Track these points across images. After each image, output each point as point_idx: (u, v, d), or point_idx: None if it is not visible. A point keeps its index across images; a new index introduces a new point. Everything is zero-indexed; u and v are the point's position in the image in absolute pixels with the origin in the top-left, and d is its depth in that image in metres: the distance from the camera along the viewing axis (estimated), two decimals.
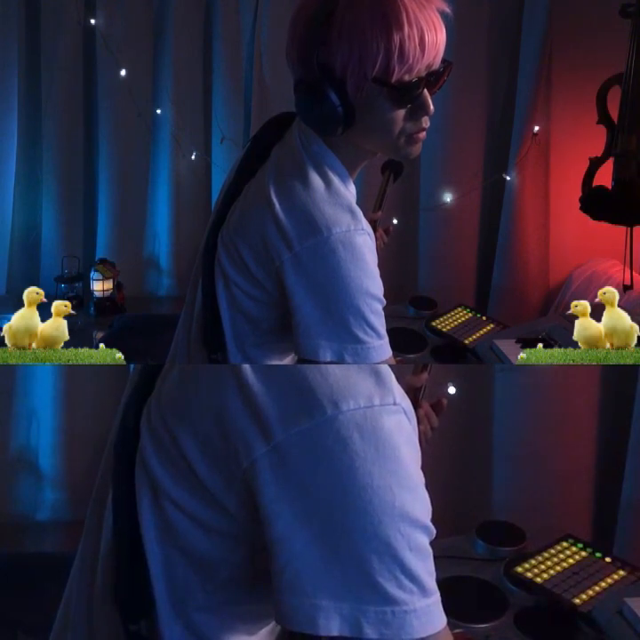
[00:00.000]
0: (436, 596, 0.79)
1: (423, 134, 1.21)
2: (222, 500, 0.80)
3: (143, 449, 0.85)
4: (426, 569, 0.77)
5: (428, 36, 1.14)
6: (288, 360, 1.31)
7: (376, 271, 1.19)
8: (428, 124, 1.20)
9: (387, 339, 1.20)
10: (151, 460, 0.84)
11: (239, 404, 0.79)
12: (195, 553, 0.83)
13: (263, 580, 0.79)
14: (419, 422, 1.25)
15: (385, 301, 1.19)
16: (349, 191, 1.22)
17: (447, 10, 1.21)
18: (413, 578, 0.76)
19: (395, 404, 0.80)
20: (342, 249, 1.14)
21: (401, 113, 1.16)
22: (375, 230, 1.84)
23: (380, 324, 1.18)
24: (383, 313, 1.19)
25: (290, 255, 1.16)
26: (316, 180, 1.19)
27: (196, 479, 0.80)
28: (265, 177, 1.23)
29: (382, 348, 1.18)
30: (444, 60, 1.20)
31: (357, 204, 1.21)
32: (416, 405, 1.28)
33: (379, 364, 1.16)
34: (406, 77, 1.13)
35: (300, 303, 1.17)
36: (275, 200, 1.18)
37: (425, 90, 1.16)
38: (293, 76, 1.20)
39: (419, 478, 0.80)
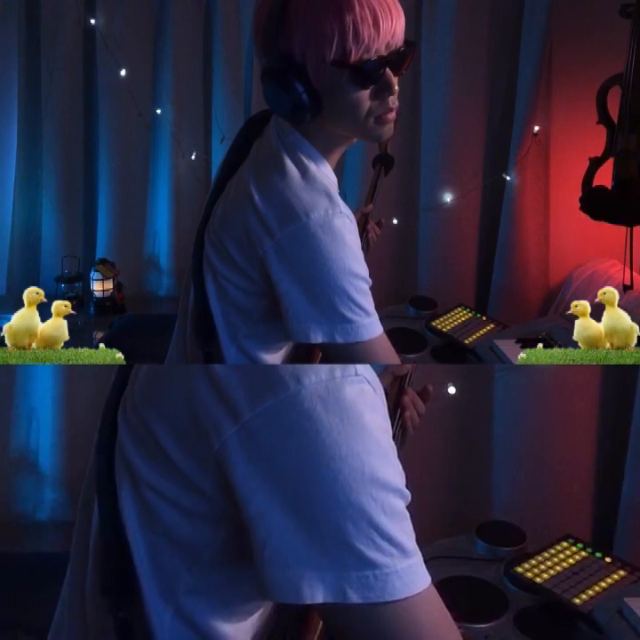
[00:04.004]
0: (418, 557, 0.79)
1: (392, 115, 1.22)
2: (198, 483, 0.81)
3: (120, 439, 0.87)
4: (403, 530, 0.78)
5: (382, 15, 1.14)
6: (283, 349, 1.33)
7: (358, 252, 1.21)
8: (396, 104, 1.21)
9: (376, 316, 1.22)
10: (128, 450, 0.85)
11: (206, 386, 0.80)
12: (177, 538, 0.83)
13: (249, 561, 0.80)
14: (404, 409, 1.27)
15: (370, 281, 1.21)
16: (327, 177, 1.24)
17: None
18: (391, 540, 0.77)
19: (356, 374, 0.81)
20: (322, 232, 1.17)
21: (365, 94, 1.17)
22: (366, 223, 1.84)
23: (366, 302, 1.20)
24: (369, 292, 1.21)
25: (272, 243, 1.18)
26: (291, 168, 1.21)
27: (172, 464, 0.81)
28: (245, 171, 1.26)
29: (372, 325, 1.21)
30: (408, 42, 1.21)
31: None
32: (401, 393, 1.29)
33: (371, 341, 1.20)
34: (365, 57, 1.14)
35: (287, 289, 1.19)
36: (254, 191, 1.20)
37: (387, 69, 1.17)
38: (260, 67, 1.22)
39: (388, 445, 0.81)
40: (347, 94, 1.17)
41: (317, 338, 1.19)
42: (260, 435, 0.78)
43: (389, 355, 1.26)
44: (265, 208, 1.19)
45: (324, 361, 1.34)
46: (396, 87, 1.19)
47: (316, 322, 1.19)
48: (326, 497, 0.76)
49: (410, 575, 0.78)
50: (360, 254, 1.21)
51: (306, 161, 1.22)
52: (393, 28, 1.16)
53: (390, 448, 0.82)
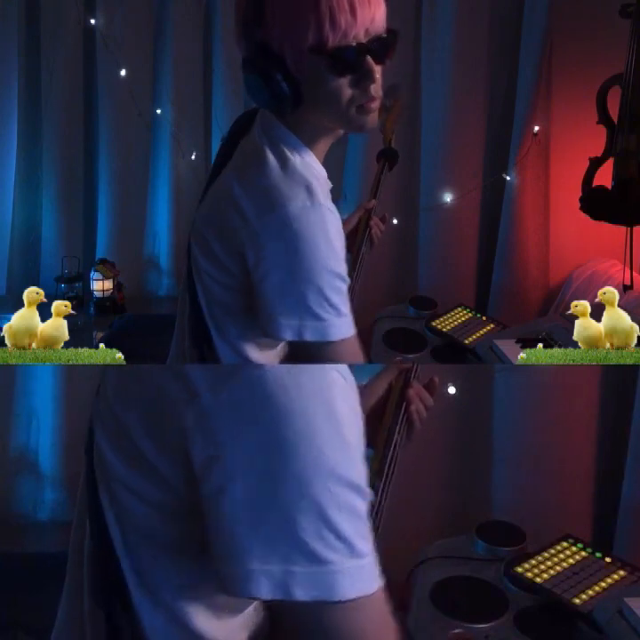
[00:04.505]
0: (369, 559, 0.77)
1: (374, 104, 1.19)
2: (172, 479, 0.80)
3: (97, 439, 0.87)
4: (357, 530, 0.76)
5: (359, 1, 1.11)
6: (277, 349, 1.30)
7: (339, 248, 1.17)
8: (379, 93, 1.18)
9: (349, 317, 1.19)
10: (104, 450, 0.85)
11: (172, 381, 0.79)
12: (157, 536, 0.82)
13: None
14: (410, 402, 1.25)
15: (348, 280, 1.18)
16: (312, 168, 1.21)
17: None
18: (342, 537, 0.75)
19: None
20: (298, 223, 1.14)
21: (345, 82, 1.15)
22: (369, 219, 1.83)
23: (340, 301, 1.16)
24: (346, 291, 1.18)
25: (248, 233, 1.16)
26: (271, 159, 1.19)
27: (147, 462, 0.80)
28: (228, 167, 1.25)
29: (344, 326, 1.17)
30: (390, 30, 1.18)
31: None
32: (406, 386, 1.27)
33: (341, 342, 1.16)
34: (343, 43, 1.11)
35: (261, 281, 1.16)
36: (234, 184, 1.19)
37: (368, 57, 1.14)
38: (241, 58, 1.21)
39: (354, 439, 0.78)
40: (326, 83, 1.14)
41: (286, 334, 1.16)
42: (220, 420, 0.75)
43: (358, 358, 1.23)
44: (243, 198, 1.17)
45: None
46: (378, 76, 1.16)
47: (285, 317, 1.15)
48: (280, 485, 0.74)
49: (359, 576, 0.76)
50: (340, 251, 1.17)
51: (288, 152, 1.20)
52: (371, 13, 1.13)
53: (357, 443, 0.78)
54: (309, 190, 1.16)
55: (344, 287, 1.17)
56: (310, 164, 1.22)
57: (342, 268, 1.17)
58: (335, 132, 1.26)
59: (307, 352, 1.18)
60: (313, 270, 1.14)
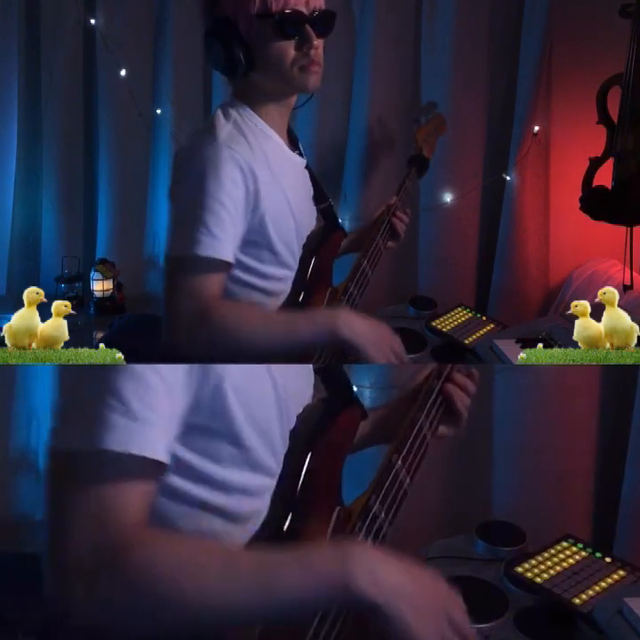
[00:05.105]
0: (142, 425, 0.87)
1: (315, 67, 1.43)
2: None
3: None
4: (137, 394, 0.87)
5: None
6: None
7: (226, 181, 1.36)
8: (320, 58, 1.43)
9: (222, 240, 1.35)
10: None
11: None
12: None
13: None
14: (452, 396, 1.32)
15: (228, 208, 1.35)
16: (253, 125, 1.45)
17: None
18: (120, 398, 0.87)
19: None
20: (189, 154, 1.40)
21: (289, 44, 1.40)
22: (391, 214, 1.94)
23: (214, 223, 1.34)
24: (224, 217, 1.35)
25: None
26: (209, 119, 1.46)
27: None
28: None
29: (212, 245, 1.34)
30: (329, 11, 1.44)
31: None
32: (447, 378, 1.34)
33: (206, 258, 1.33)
34: (285, 9, 1.37)
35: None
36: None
37: (307, 26, 1.39)
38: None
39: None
40: (273, 45, 1.39)
41: (169, 251, 1.36)
42: None
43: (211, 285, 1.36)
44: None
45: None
46: (316, 42, 1.41)
47: (171, 233, 1.38)
48: None
49: (126, 434, 0.86)
50: (228, 182, 1.35)
51: (226, 110, 1.44)
52: None
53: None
54: (211, 133, 1.39)
55: (223, 213, 1.35)
56: (253, 123, 1.45)
57: (224, 197, 1.35)
58: (286, 101, 1.50)
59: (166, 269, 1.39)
60: (196, 195, 1.35)
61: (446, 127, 2.46)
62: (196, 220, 1.34)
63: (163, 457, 0.90)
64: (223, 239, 1.35)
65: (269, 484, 1.04)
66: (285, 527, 1.01)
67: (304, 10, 1.39)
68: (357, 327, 1.38)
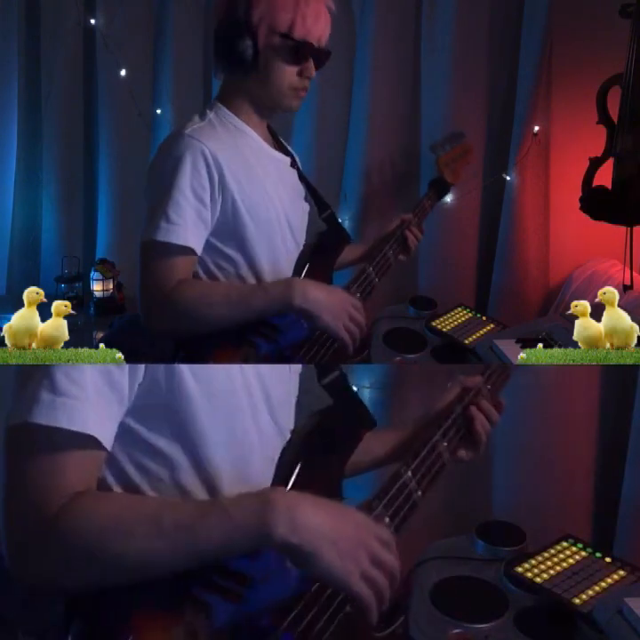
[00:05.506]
0: (75, 401, 0.94)
1: (304, 93, 1.57)
2: None
3: None
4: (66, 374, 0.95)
5: (323, 15, 1.52)
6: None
7: (189, 169, 1.44)
8: (308, 86, 1.57)
9: (180, 226, 1.44)
10: None
11: None
12: None
13: None
14: (473, 420, 1.33)
15: (188, 197, 1.44)
16: (232, 128, 1.55)
17: (332, 8, 1.56)
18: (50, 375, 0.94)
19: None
20: (163, 147, 1.50)
21: (294, 69, 1.52)
22: (404, 228, 1.97)
23: (173, 211, 1.43)
24: (183, 205, 1.44)
25: None
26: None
27: None
28: None
29: (169, 231, 1.44)
30: (328, 51, 1.57)
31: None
32: (471, 402, 1.35)
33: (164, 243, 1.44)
34: (307, 40, 1.50)
35: None
36: None
37: (311, 59, 1.53)
38: (214, 25, 1.53)
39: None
40: (281, 63, 1.51)
41: (143, 235, 1.46)
42: None
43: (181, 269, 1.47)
44: None
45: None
46: (314, 72, 1.55)
47: (145, 221, 1.46)
48: None
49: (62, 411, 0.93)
50: (190, 172, 1.44)
51: (203, 111, 1.55)
52: (325, 30, 1.54)
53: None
54: (179, 129, 1.49)
55: (182, 201, 1.44)
56: (223, 119, 1.55)
57: (184, 184, 1.44)
58: (268, 110, 1.60)
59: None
60: (162, 184, 1.44)
61: (473, 156, 2.47)
62: (157, 207, 1.44)
63: (94, 432, 0.95)
64: (181, 225, 1.44)
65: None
66: None
67: (316, 44, 1.53)
68: (311, 294, 1.45)
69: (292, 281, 1.51)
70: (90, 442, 0.95)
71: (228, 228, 1.50)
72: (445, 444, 1.27)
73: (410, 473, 1.17)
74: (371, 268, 1.83)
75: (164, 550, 0.91)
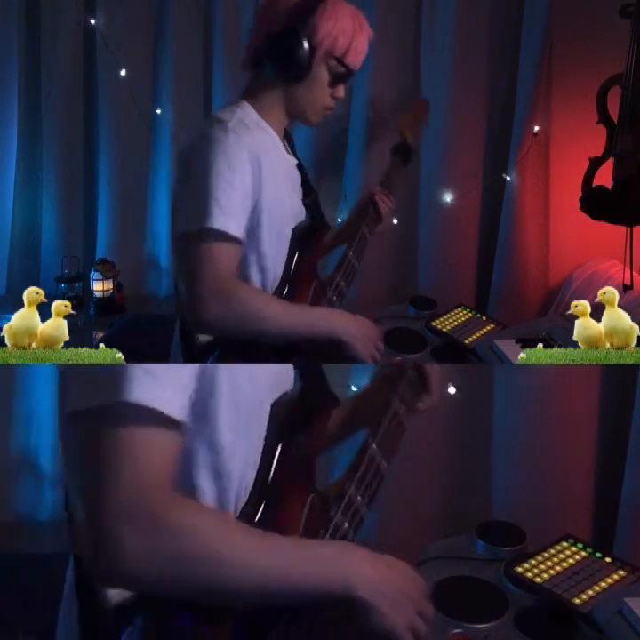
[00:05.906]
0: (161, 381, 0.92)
1: (329, 112, 1.63)
2: None
3: None
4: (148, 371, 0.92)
5: (366, 48, 1.61)
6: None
7: (235, 161, 1.44)
8: (334, 108, 1.63)
9: (230, 216, 1.42)
10: None
11: None
12: None
13: None
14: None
15: (236, 188, 1.43)
16: (253, 123, 1.55)
17: (371, 40, 1.63)
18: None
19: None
20: (202, 139, 1.48)
21: (330, 90, 1.59)
22: (373, 200, 1.99)
23: (225, 200, 1.41)
24: (234, 195, 1.43)
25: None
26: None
27: None
28: None
29: (219, 220, 1.41)
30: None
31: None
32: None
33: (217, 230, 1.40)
34: (352, 67, 1.59)
35: None
36: None
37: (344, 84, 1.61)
38: (267, 32, 1.54)
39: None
40: (323, 81, 1.57)
41: (182, 226, 1.43)
42: None
43: (228, 260, 1.43)
44: None
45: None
46: (343, 95, 1.63)
47: (185, 210, 1.44)
48: None
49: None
50: (240, 165, 1.44)
51: (229, 107, 1.57)
52: (362, 61, 1.62)
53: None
54: (219, 121, 1.50)
55: (233, 193, 1.43)
56: (249, 117, 1.56)
57: (234, 178, 1.43)
58: (290, 119, 1.63)
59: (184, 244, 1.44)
60: (206, 176, 1.42)
61: (428, 111, 2.44)
62: (208, 196, 1.40)
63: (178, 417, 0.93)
64: (234, 216, 1.42)
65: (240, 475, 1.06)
66: (259, 514, 1.04)
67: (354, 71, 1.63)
68: (352, 326, 1.53)
69: (335, 311, 1.61)
70: (175, 426, 0.93)
71: (249, 225, 1.49)
72: (401, 404, 1.30)
73: (375, 445, 1.20)
74: (351, 253, 1.84)
75: (258, 571, 0.91)
